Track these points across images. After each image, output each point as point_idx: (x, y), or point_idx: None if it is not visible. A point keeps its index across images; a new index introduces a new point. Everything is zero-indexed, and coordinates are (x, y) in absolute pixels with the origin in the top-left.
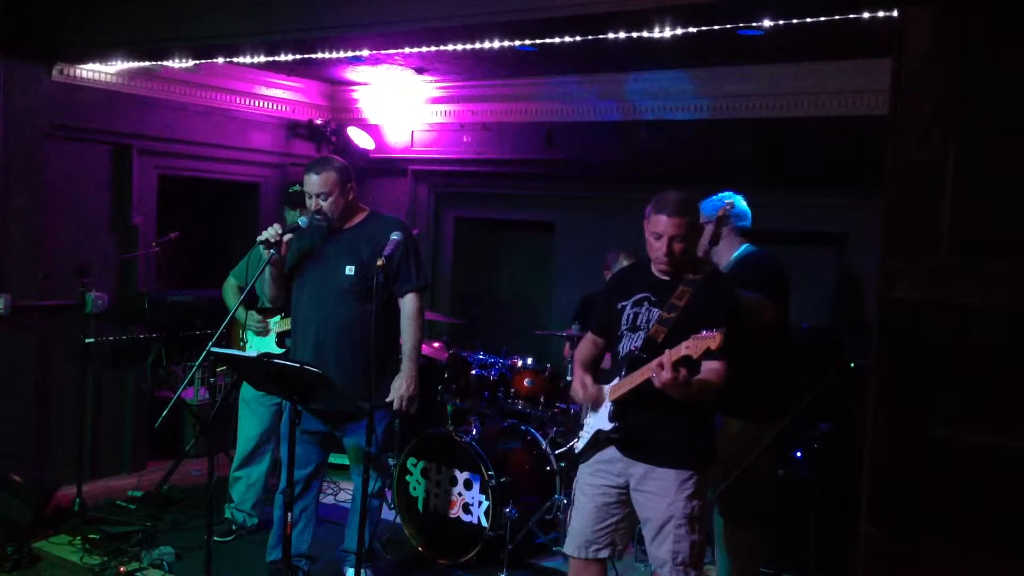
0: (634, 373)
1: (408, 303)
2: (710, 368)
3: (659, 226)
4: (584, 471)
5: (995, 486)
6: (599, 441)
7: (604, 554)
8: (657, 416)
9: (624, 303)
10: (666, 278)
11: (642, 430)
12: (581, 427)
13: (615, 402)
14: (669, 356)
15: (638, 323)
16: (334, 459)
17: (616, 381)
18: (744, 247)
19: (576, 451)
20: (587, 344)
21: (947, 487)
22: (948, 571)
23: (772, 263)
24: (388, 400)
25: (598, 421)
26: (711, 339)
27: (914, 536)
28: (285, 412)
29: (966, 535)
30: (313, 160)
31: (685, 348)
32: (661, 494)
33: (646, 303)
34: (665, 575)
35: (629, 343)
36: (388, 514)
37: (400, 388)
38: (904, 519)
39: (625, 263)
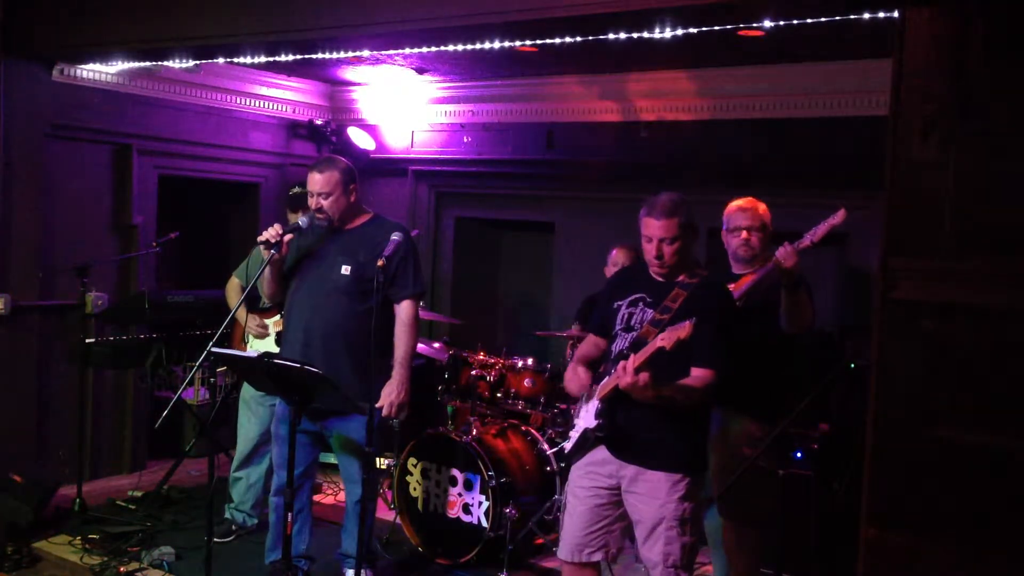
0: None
1: (404, 310)
2: (696, 375)
3: (649, 229)
4: (575, 473)
5: (995, 486)
6: (587, 441)
7: (597, 557)
8: (644, 417)
9: (620, 303)
10: (663, 280)
11: (630, 431)
12: (572, 427)
13: (602, 401)
14: (633, 360)
15: (632, 323)
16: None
17: (605, 380)
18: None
19: (566, 452)
20: (588, 345)
21: (947, 487)
22: (948, 571)
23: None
24: (377, 406)
25: (586, 420)
26: (682, 329)
27: (914, 536)
28: (277, 413)
29: (966, 535)
30: (317, 159)
31: (660, 340)
32: (652, 496)
33: (641, 303)
34: None
35: (621, 343)
36: (388, 514)
37: (390, 394)
38: (904, 519)
39: (623, 259)
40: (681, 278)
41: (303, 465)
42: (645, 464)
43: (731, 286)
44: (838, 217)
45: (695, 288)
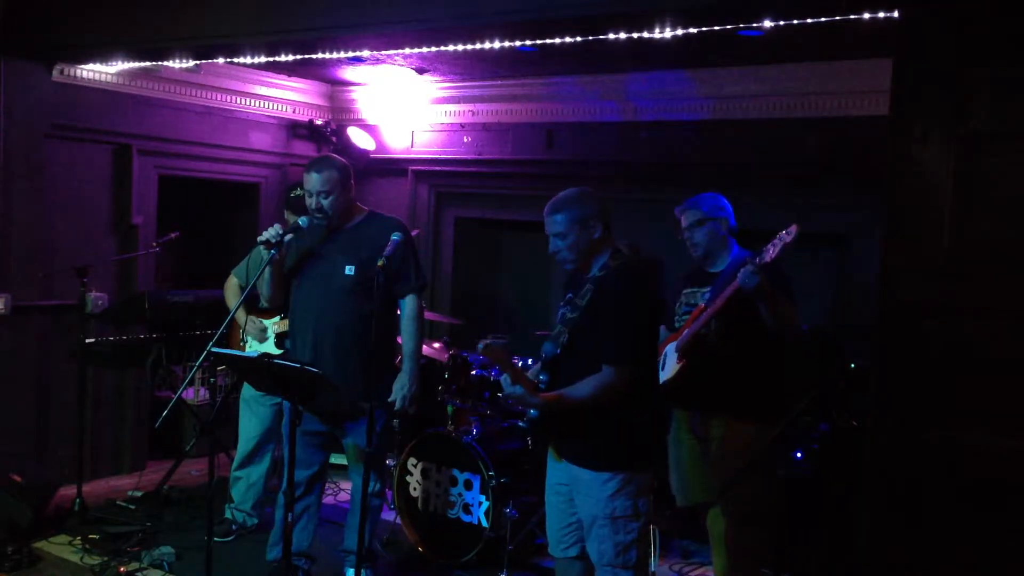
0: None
1: (408, 304)
2: (605, 371)
3: (546, 227)
4: (548, 470)
5: (995, 486)
6: (529, 436)
7: (573, 552)
8: (565, 418)
9: (562, 303)
10: (581, 276)
11: (555, 430)
12: None
13: None
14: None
15: (560, 322)
16: (334, 459)
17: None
18: (738, 249)
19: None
20: None
21: (947, 487)
22: (948, 571)
23: (782, 267)
24: (390, 400)
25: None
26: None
27: (914, 536)
28: (285, 413)
29: (966, 535)
30: (314, 159)
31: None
32: (587, 494)
33: (569, 303)
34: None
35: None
36: (388, 514)
37: (402, 388)
38: (904, 519)
39: None
40: (593, 272)
41: (316, 466)
42: (576, 463)
43: (697, 314)
44: (790, 235)
45: (600, 283)
